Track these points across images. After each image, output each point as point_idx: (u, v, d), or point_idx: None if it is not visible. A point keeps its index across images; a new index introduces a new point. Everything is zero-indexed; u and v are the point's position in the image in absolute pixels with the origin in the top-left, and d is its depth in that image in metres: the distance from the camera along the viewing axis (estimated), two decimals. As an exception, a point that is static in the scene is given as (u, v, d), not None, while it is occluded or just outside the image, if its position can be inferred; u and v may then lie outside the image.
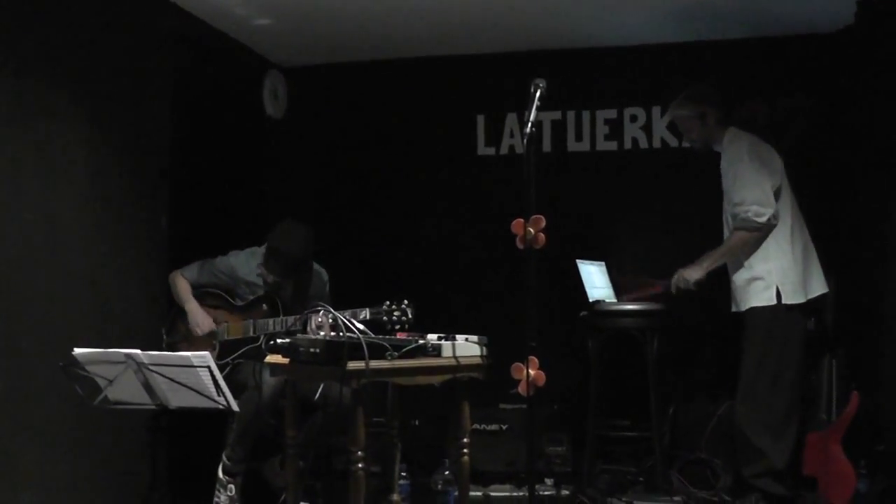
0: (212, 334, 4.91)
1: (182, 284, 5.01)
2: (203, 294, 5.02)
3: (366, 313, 4.46)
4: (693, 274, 4.91)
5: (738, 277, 4.86)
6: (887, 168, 5.12)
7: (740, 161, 4.78)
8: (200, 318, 4.93)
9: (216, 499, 4.61)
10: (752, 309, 4.80)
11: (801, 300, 4.79)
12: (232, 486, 4.61)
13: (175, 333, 5.02)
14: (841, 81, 5.72)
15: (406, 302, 4.41)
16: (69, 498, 4.41)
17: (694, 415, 5.54)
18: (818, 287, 4.89)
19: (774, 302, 4.74)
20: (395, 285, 4.56)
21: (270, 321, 4.83)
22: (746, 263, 4.81)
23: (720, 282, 4.98)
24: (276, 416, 4.63)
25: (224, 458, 4.63)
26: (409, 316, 4.36)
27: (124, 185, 4.85)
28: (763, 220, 4.70)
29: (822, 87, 5.85)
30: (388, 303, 4.41)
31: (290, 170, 6.62)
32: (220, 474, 4.61)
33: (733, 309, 4.93)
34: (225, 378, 3.61)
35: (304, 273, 5.05)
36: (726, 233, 4.93)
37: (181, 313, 5.03)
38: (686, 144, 5.92)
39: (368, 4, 5.35)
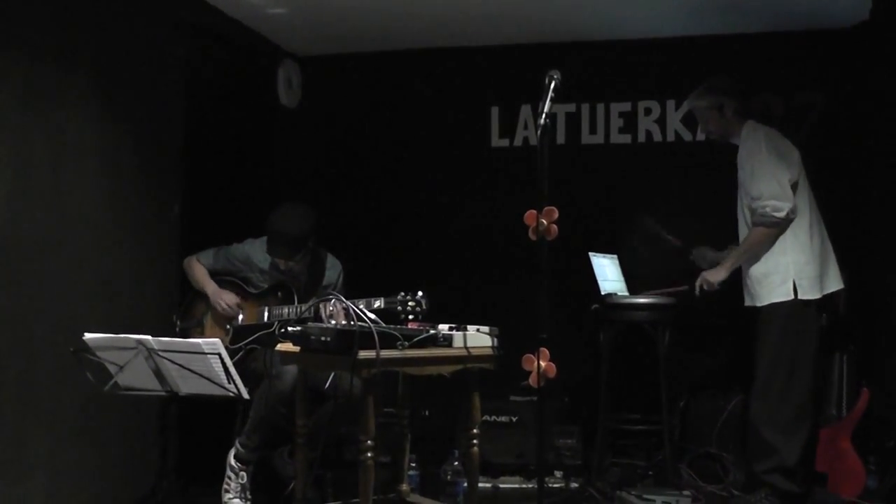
0: (227, 319, 4.92)
1: (199, 269, 5.04)
2: (218, 282, 5.03)
3: (380, 302, 4.45)
4: (717, 276, 4.91)
5: (754, 271, 4.83)
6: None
7: (758, 153, 4.76)
8: (224, 296, 4.94)
9: (226, 485, 4.61)
10: (770, 305, 4.77)
11: (817, 295, 4.76)
12: (244, 473, 4.60)
13: (189, 319, 5.04)
14: (856, 77, 5.69)
15: (421, 293, 4.39)
16: (79, 484, 4.42)
17: (705, 409, 5.53)
18: (834, 283, 4.87)
19: (792, 297, 4.70)
20: (406, 275, 4.55)
21: (285, 308, 4.84)
22: (762, 257, 4.78)
23: (733, 278, 4.97)
24: (287, 405, 4.63)
25: (238, 445, 4.62)
26: (424, 307, 4.34)
27: (137, 173, 4.85)
28: (782, 214, 4.68)
29: (836, 82, 5.82)
30: (402, 293, 4.40)
31: (303, 159, 6.62)
32: (233, 461, 4.62)
33: (747, 303, 4.90)
34: (237, 364, 3.61)
35: (315, 258, 5.06)
36: (741, 225, 4.91)
37: (195, 299, 5.04)
38: (700, 138, 5.92)
39: (383, -6, 5.35)
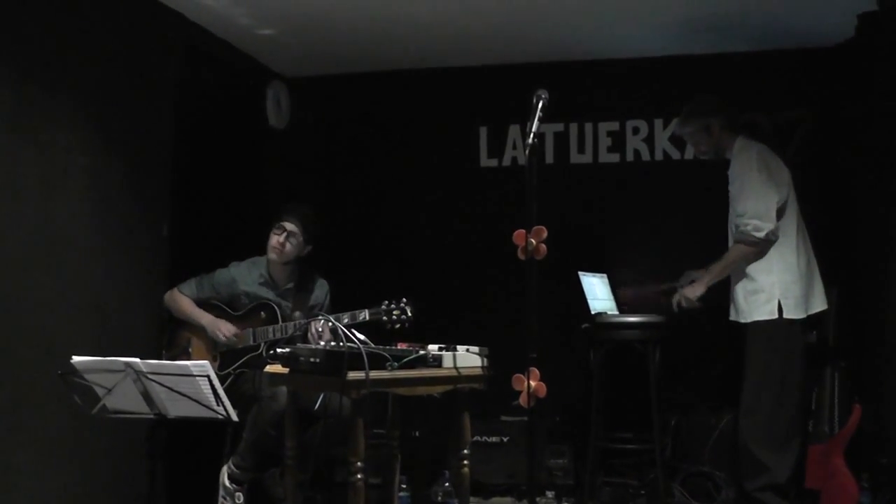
0: (214, 345, 4.89)
1: (184, 301, 4.98)
2: (202, 306, 4.99)
3: (365, 314, 4.45)
4: (694, 292, 4.93)
5: (741, 288, 4.85)
6: (887, 180, 5.11)
7: (749, 171, 4.78)
8: (223, 326, 4.88)
9: None
10: (755, 323, 4.79)
11: (802, 315, 4.79)
12: (240, 493, 4.56)
13: (174, 348, 4.98)
14: (841, 95, 5.71)
15: (405, 300, 4.39)
16: (67, 508, 4.39)
17: (696, 427, 5.52)
18: (819, 303, 4.89)
19: (776, 316, 4.73)
20: (396, 295, 4.54)
21: (270, 329, 4.82)
22: (749, 274, 4.80)
23: (723, 294, 4.97)
24: (278, 427, 4.61)
25: (232, 465, 4.59)
26: (409, 314, 4.34)
27: (126, 194, 4.84)
28: (761, 234, 4.70)
29: (822, 100, 5.85)
30: (386, 302, 4.39)
31: (292, 180, 6.60)
32: (227, 482, 4.58)
33: (732, 317, 4.94)
34: (227, 389, 3.59)
35: (303, 277, 5.06)
36: (731, 239, 4.93)
37: (178, 327, 4.99)
38: (688, 157, 5.94)
39: (372, 16, 5.35)
